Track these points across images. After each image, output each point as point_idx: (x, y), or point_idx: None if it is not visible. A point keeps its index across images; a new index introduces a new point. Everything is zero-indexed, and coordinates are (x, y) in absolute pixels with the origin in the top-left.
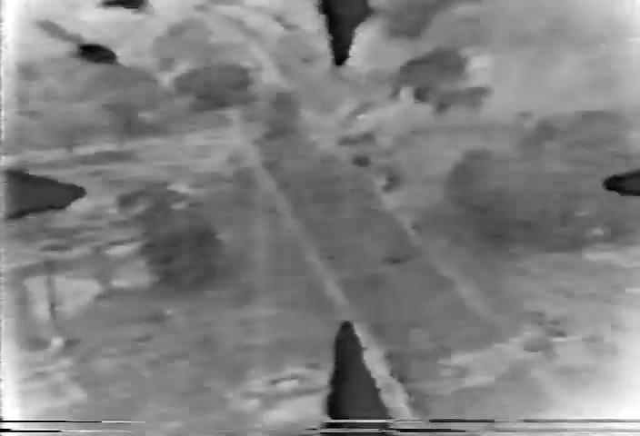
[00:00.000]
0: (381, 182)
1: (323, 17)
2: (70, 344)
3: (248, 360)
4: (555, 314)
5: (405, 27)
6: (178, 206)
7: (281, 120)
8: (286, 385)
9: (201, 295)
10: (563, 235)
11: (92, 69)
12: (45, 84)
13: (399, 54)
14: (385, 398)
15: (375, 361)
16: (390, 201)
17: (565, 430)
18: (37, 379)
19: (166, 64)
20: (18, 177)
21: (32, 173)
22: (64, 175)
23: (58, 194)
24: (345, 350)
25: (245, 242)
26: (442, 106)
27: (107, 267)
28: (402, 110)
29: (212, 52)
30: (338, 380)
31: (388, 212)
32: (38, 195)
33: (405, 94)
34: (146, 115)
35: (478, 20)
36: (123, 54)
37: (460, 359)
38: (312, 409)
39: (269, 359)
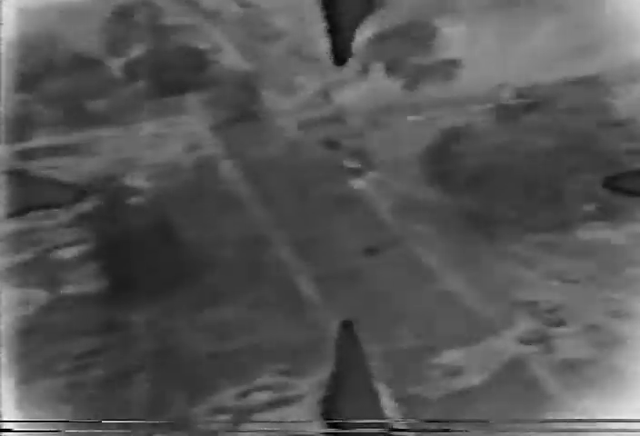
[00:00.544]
0: (353, 165)
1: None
2: (13, 361)
3: (215, 370)
4: (549, 302)
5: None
6: (133, 201)
7: (242, 104)
8: (259, 397)
9: (160, 300)
10: (551, 214)
11: (33, 57)
12: None
13: (364, 28)
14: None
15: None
16: (363, 186)
17: (565, 430)
18: None
19: (115, 48)
20: (18, 177)
21: None
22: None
23: (59, 194)
24: (345, 350)
25: (208, 238)
26: (413, 81)
27: (55, 273)
28: (371, 87)
29: (164, 34)
30: (338, 380)
31: (362, 198)
32: (39, 195)
33: (373, 70)
34: (95, 104)
35: None
36: (68, 40)
37: (449, 357)
38: (291, 419)
39: (239, 368)
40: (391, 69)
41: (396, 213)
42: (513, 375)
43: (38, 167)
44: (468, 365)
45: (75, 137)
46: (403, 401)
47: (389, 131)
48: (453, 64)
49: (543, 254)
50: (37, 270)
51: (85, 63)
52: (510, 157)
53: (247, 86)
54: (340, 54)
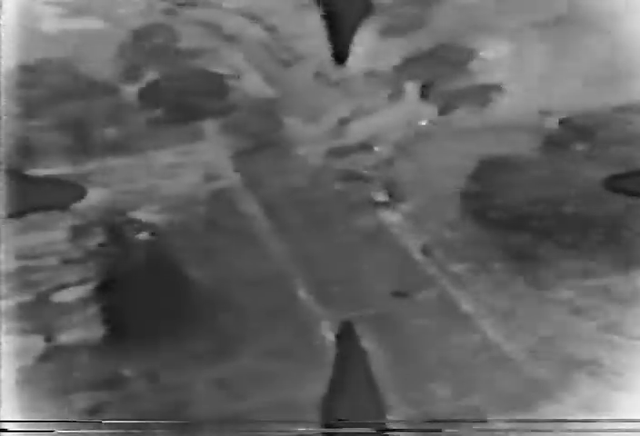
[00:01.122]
0: (381, 198)
1: (319, 16)
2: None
3: (228, 431)
4: (613, 362)
5: (402, 22)
6: (140, 238)
7: (263, 131)
8: None
9: (166, 350)
10: (607, 256)
11: (46, 81)
12: None
13: (396, 51)
14: None
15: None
16: (393, 221)
17: (566, 430)
18: None
19: (130, 73)
20: (19, 177)
21: None
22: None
23: (60, 194)
24: (345, 350)
25: (221, 278)
26: (447, 107)
27: (53, 317)
28: (402, 114)
29: (182, 58)
30: (338, 380)
31: (391, 234)
32: (39, 195)
33: (405, 95)
34: (107, 132)
35: (483, 7)
36: (83, 65)
37: (496, 425)
38: None
39: (255, 427)
40: (423, 95)
41: (429, 252)
42: None
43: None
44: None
45: (83, 167)
46: None
47: (422, 160)
48: (492, 88)
49: (599, 302)
50: (36, 314)
51: (98, 88)
52: (556, 190)
53: (269, 113)
54: (340, 55)
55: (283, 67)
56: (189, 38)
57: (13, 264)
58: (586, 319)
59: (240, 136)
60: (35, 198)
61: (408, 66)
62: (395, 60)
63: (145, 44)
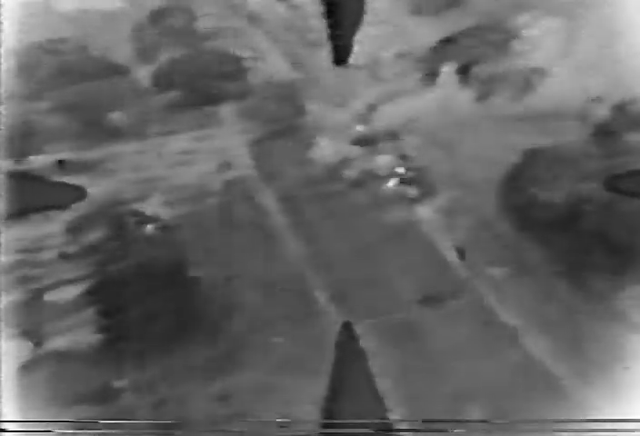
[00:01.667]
0: (411, 191)
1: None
2: None
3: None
4: None
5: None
6: (147, 232)
7: (283, 117)
8: None
9: (168, 359)
10: None
11: (55, 62)
12: None
13: (429, 31)
14: None
15: None
16: (424, 217)
17: (567, 430)
18: None
19: (145, 54)
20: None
21: None
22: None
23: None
24: (346, 350)
25: (231, 279)
26: (487, 92)
27: (45, 319)
28: (435, 99)
29: (199, 39)
30: (338, 379)
31: (421, 232)
32: (40, 195)
33: (439, 79)
34: (116, 115)
35: None
36: (96, 46)
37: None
38: None
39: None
40: (459, 78)
41: (463, 253)
42: None
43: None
44: None
45: (88, 153)
46: None
47: (456, 151)
48: (535, 71)
49: None
50: (25, 315)
51: (109, 70)
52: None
53: (290, 97)
54: (340, 55)
55: (308, 48)
56: (208, 18)
57: (4, 258)
58: None
59: (258, 122)
60: (35, 198)
61: (442, 48)
62: (429, 41)
63: (161, 24)
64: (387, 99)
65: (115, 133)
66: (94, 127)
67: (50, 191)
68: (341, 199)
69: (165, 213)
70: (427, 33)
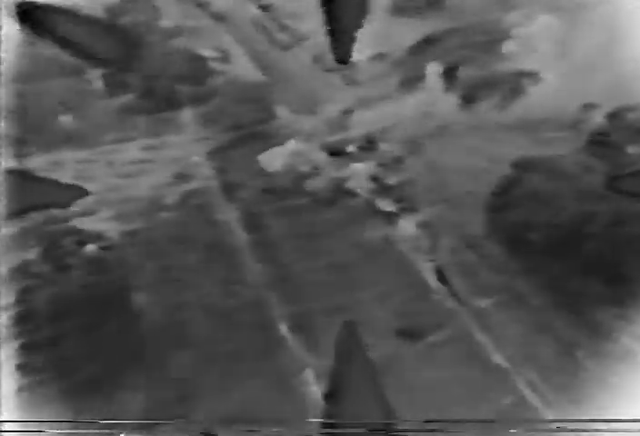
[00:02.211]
0: (388, 207)
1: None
2: None
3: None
4: None
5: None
6: (88, 251)
7: (249, 123)
8: None
9: (100, 405)
10: None
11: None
12: None
13: (410, 32)
14: None
15: None
16: (401, 235)
17: (566, 430)
18: None
19: (99, 53)
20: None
21: None
22: None
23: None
24: (346, 349)
25: (181, 307)
26: (472, 98)
27: None
28: (416, 104)
29: (161, 37)
30: (338, 379)
31: (399, 253)
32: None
33: (420, 83)
34: (62, 120)
35: None
36: (46, 44)
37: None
38: None
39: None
40: (444, 81)
41: (446, 278)
42: None
43: None
44: None
45: (29, 160)
46: None
47: (439, 161)
48: (526, 75)
49: None
50: None
51: (58, 70)
52: (612, 204)
53: (258, 101)
54: (341, 54)
55: (277, 49)
56: (171, 16)
57: None
58: None
59: (221, 128)
60: (35, 198)
61: (423, 49)
62: (408, 42)
63: (119, 21)
64: (363, 104)
65: (63, 139)
66: (37, 132)
67: (50, 191)
68: (309, 214)
69: (110, 231)
70: (406, 34)
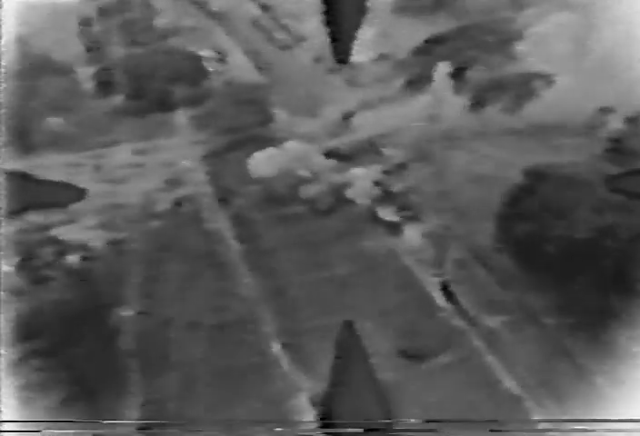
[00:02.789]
0: (390, 217)
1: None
2: None
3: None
4: None
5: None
6: (69, 262)
7: (246, 126)
8: None
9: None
10: None
11: None
12: None
13: (415, 32)
14: None
15: None
16: (406, 247)
17: (566, 430)
18: None
19: (92, 52)
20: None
21: None
22: None
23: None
24: (346, 349)
25: (170, 322)
26: (482, 101)
27: None
28: (420, 107)
29: (156, 37)
30: (338, 379)
31: (402, 266)
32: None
33: (426, 85)
34: (51, 121)
35: None
36: (39, 42)
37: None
38: None
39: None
40: (452, 83)
41: (453, 294)
42: None
43: None
44: None
45: (11, 163)
46: None
47: (444, 168)
48: (537, 77)
49: None
50: None
51: (49, 69)
52: (631, 217)
53: (256, 103)
54: (341, 54)
55: (277, 50)
56: (168, 14)
57: None
58: None
59: (216, 131)
60: (35, 198)
61: (429, 50)
62: (413, 42)
63: (114, 19)
64: (365, 107)
65: (47, 142)
66: (23, 134)
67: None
68: (307, 224)
69: (95, 240)
70: (411, 34)
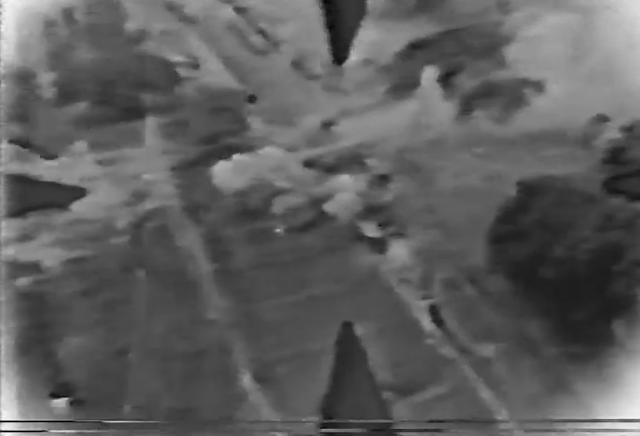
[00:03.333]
0: (373, 233)
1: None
2: None
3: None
4: None
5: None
6: (16, 285)
7: (220, 134)
8: None
9: None
10: None
11: None
12: None
13: (399, 36)
14: None
15: None
16: (390, 265)
17: (565, 430)
18: None
19: (54, 56)
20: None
21: None
22: None
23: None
24: (345, 350)
25: (125, 352)
26: (468, 108)
27: None
28: (405, 115)
29: (125, 41)
30: (338, 379)
31: (386, 287)
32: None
33: (410, 91)
34: (8, 129)
35: None
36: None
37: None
38: None
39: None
40: (438, 90)
41: (442, 319)
42: None
43: None
44: None
45: None
46: None
47: (432, 180)
48: (530, 84)
49: None
50: None
51: (7, 75)
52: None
53: (230, 111)
54: (339, 54)
55: (254, 55)
56: (139, 18)
57: None
58: None
59: (188, 141)
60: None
61: (414, 54)
62: (397, 46)
63: (79, 22)
64: (347, 114)
65: (9, 152)
66: None
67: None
68: (283, 240)
69: (50, 260)
70: (395, 38)
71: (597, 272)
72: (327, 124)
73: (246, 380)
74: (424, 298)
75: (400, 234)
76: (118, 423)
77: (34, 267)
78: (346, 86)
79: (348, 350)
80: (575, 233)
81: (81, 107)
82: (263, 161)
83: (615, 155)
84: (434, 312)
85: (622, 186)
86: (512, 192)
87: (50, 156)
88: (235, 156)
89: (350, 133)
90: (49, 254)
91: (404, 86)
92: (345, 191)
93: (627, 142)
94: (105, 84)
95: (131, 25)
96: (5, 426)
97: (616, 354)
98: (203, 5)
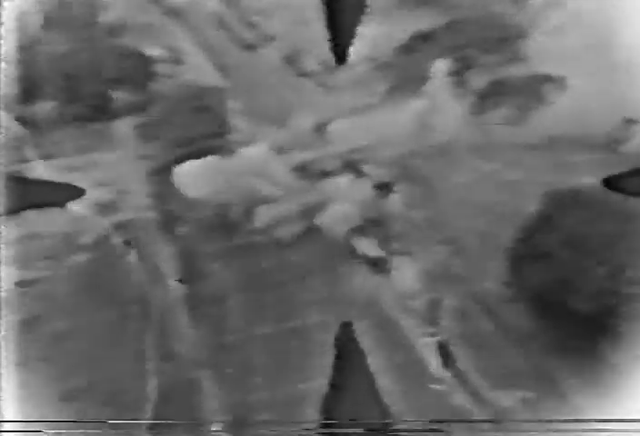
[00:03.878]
0: (371, 251)
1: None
2: None
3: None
4: None
5: None
6: None
7: (200, 136)
8: None
9: None
10: None
11: None
12: None
13: (401, 29)
14: None
15: None
16: (391, 291)
17: (565, 430)
18: None
19: (21, 51)
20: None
21: None
22: None
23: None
24: (345, 350)
25: (74, 395)
26: (481, 110)
27: None
28: (409, 117)
29: (99, 34)
30: (338, 379)
31: (387, 317)
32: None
33: (414, 90)
34: None
35: None
36: None
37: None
38: None
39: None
40: (446, 88)
41: (452, 360)
42: None
43: None
44: None
45: None
46: None
47: (439, 191)
48: (548, 81)
49: None
50: None
51: None
52: None
53: (212, 111)
54: (340, 54)
55: (241, 50)
56: (117, 9)
57: None
58: None
59: (163, 143)
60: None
61: (418, 48)
62: (398, 40)
63: (51, 14)
64: (343, 115)
65: None
66: None
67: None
68: (271, 260)
69: (6, 279)
70: (396, 30)
71: (633, 301)
72: (322, 125)
73: (216, 429)
74: (430, 334)
75: (402, 253)
76: (118, 423)
77: None
78: (343, 84)
79: (348, 350)
80: (606, 255)
81: (47, 106)
82: (244, 163)
83: None
84: (443, 350)
85: (621, 184)
86: (533, 205)
87: (5, 161)
88: (209, 157)
89: (347, 136)
90: (2, 274)
91: (407, 84)
92: (341, 201)
93: None
94: (74, 81)
95: (107, 17)
96: (6, 426)
97: None
98: None
